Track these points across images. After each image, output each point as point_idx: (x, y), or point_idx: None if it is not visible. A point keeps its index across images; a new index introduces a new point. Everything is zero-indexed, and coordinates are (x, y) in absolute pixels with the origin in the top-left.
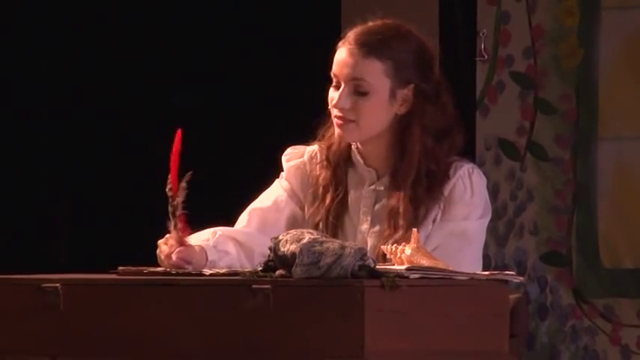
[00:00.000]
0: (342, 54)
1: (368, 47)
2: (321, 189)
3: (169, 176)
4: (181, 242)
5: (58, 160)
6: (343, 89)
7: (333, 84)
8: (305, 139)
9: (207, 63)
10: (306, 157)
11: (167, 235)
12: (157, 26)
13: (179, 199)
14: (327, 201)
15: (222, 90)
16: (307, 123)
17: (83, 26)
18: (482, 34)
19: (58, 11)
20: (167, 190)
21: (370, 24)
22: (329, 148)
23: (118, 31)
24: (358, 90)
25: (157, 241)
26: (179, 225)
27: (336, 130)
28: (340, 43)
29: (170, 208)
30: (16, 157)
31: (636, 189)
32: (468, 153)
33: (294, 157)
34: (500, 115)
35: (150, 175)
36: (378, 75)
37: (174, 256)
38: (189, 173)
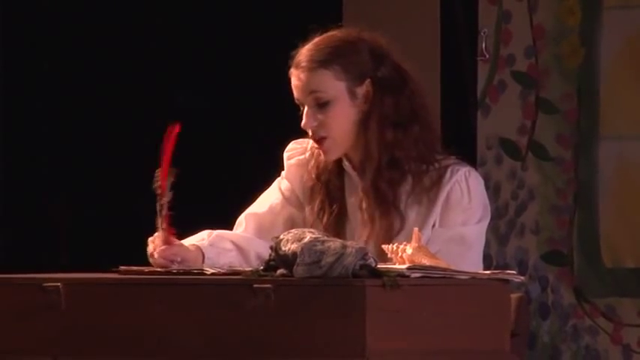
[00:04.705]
0: (293, 79)
1: (311, 62)
2: (317, 205)
3: (159, 173)
4: (167, 242)
5: (59, 160)
6: (306, 109)
7: (301, 110)
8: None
9: (209, 63)
10: (308, 154)
11: (155, 234)
12: (159, 25)
13: (166, 199)
14: (324, 220)
15: (225, 90)
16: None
17: (84, 26)
18: (484, 33)
19: (59, 10)
20: (156, 187)
21: (316, 40)
22: (318, 166)
23: (120, 30)
24: (318, 102)
25: None
26: (164, 225)
27: (321, 153)
28: (291, 70)
29: (158, 207)
30: (17, 156)
31: (638, 188)
32: (469, 152)
33: (296, 154)
34: (501, 114)
35: (151, 175)
36: (329, 82)
37: (156, 255)
38: (176, 171)
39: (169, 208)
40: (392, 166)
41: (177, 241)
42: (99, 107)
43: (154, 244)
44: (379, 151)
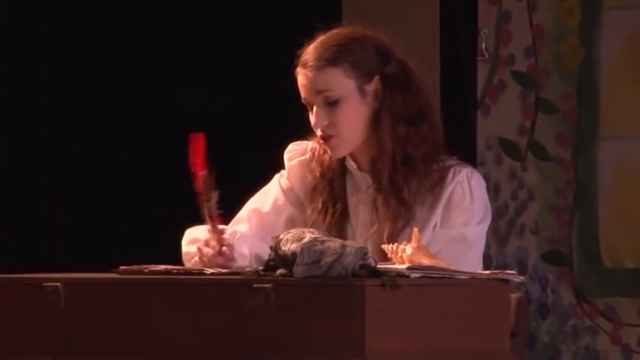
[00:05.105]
0: (301, 78)
1: (319, 60)
2: (319, 204)
3: (198, 179)
4: (222, 242)
5: (59, 160)
6: (315, 108)
7: (309, 109)
8: (306, 138)
9: (209, 62)
10: (308, 155)
11: (205, 238)
12: (158, 25)
13: (213, 201)
14: (327, 219)
15: (225, 89)
16: (308, 122)
17: (84, 26)
18: (484, 33)
19: (59, 10)
20: (200, 193)
21: (322, 38)
22: (322, 165)
23: (119, 30)
24: (328, 101)
25: (157, 241)
26: (217, 226)
27: (328, 150)
28: (297, 69)
29: (206, 211)
30: (17, 156)
31: (637, 188)
32: (469, 153)
33: (297, 155)
34: (501, 114)
35: (151, 175)
36: (339, 80)
37: (219, 260)
38: (213, 173)
39: (218, 208)
40: (405, 163)
41: (229, 239)
42: (99, 107)
43: (211, 246)
44: (393, 147)
